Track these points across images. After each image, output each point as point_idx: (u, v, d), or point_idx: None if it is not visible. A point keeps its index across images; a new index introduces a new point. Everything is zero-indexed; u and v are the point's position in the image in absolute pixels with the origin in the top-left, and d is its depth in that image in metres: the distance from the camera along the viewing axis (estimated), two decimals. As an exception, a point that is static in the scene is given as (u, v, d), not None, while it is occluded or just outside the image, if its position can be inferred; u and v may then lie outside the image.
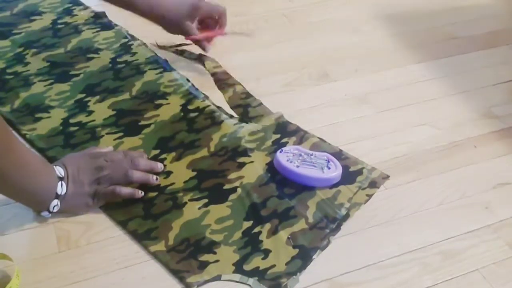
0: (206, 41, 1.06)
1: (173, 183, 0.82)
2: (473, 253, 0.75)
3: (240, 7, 1.27)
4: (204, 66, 1.08)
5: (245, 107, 0.99)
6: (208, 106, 0.97)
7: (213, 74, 1.07)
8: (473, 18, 1.27)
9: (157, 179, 0.81)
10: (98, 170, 0.77)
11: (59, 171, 0.75)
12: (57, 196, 0.74)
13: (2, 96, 0.98)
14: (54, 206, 0.75)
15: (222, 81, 1.05)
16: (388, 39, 1.16)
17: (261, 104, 0.99)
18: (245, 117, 0.96)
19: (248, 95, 1.01)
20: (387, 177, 0.84)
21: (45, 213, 0.76)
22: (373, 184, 0.83)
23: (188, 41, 1.08)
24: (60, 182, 0.74)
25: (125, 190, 0.78)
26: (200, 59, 1.10)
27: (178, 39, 1.08)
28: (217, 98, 1.00)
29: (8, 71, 1.04)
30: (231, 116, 0.95)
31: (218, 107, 0.97)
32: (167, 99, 0.99)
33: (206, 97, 1.00)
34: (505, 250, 0.75)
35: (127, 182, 0.79)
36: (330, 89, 1.04)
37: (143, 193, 0.79)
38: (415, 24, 1.22)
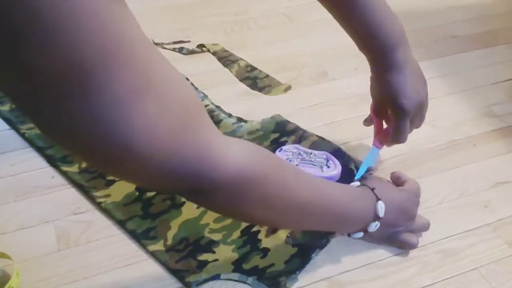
0: (382, 136, 0.84)
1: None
2: (472, 251, 0.75)
3: (240, 6, 1.27)
4: (207, 49, 1.12)
5: (253, 79, 1.04)
6: (207, 105, 0.97)
7: (214, 53, 1.11)
8: (472, 17, 1.27)
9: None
10: (410, 221, 0.74)
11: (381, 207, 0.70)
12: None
13: (1, 95, 0.98)
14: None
15: (225, 58, 1.10)
16: (387, 38, 1.16)
17: (267, 75, 1.05)
18: (254, 88, 1.02)
19: (252, 68, 1.08)
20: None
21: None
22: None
23: (186, 40, 1.09)
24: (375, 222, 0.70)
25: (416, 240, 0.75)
26: (201, 48, 1.12)
27: (176, 37, 1.09)
28: (216, 97, 1.00)
29: (8, 70, 1.03)
30: (230, 115, 0.95)
31: (217, 106, 0.97)
32: (166, 98, 0.98)
33: (205, 96, 1.00)
34: (505, 249, 0.75)
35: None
36: (329, 88, 1.04)
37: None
38: (414, 23, 1.22)
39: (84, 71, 0.40)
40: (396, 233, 0.73)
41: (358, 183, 0.73)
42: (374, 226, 0.70)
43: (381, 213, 0.69)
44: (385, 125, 0.85)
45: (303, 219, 0.65)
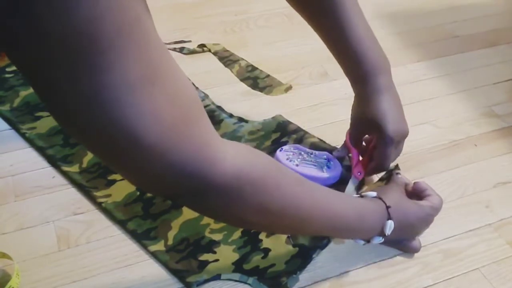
0: (363, 166, 0.82)
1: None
2: (473, 252, 0.75)
3: (240, 5, 1.27)
4: (208, 49, 1.12)
5: (254, 79, 1.05)
6: (207, 105, 0.97)
7: (215, 53, 1.11)
8: (473, 17, 1.27)
9: None
10: (415, 235, 0.74)
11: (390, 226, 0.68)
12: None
13: (1, 95, 0.98)
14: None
15: (226, 58, 1.10)
16: (388, 38, 1.16)
17: (268, 75, 1.05)
18: (255, 88, 1.02)
19: (253, 67, 1.08)
20: None
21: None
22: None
23: (187, 40, 1.08)
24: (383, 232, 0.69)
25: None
26: (201, 48, 1.12)
27: (177, 36, 1.08)
28: (217, 97, 0.99)
29: (8, 69, 1.04)
30: (231, 115, 0.95)
31: (218, 106, 0.97)
32: (166, 98, 0.98)
33: (206, 96, 0.99)
34: (506, 249, 0.75)
35: None
36: (329, 88, 1.04)
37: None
38: (415, 23, 1.22)
39: (99, 48, 0.40)
40: (400, 241, 0.73)
41: (374, 194, 0.71)
42: (377, 240, 0.69)
43: (388, 232, 0.68)
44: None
45: (300, 226, 0.64)
